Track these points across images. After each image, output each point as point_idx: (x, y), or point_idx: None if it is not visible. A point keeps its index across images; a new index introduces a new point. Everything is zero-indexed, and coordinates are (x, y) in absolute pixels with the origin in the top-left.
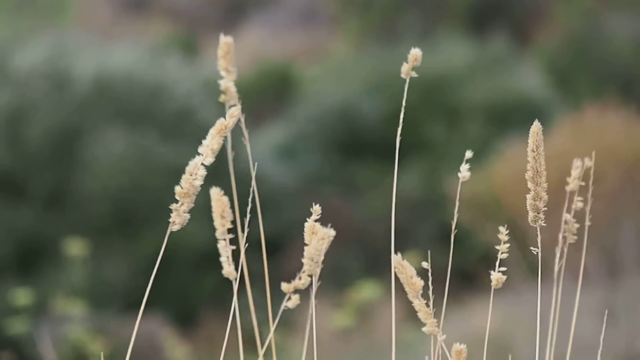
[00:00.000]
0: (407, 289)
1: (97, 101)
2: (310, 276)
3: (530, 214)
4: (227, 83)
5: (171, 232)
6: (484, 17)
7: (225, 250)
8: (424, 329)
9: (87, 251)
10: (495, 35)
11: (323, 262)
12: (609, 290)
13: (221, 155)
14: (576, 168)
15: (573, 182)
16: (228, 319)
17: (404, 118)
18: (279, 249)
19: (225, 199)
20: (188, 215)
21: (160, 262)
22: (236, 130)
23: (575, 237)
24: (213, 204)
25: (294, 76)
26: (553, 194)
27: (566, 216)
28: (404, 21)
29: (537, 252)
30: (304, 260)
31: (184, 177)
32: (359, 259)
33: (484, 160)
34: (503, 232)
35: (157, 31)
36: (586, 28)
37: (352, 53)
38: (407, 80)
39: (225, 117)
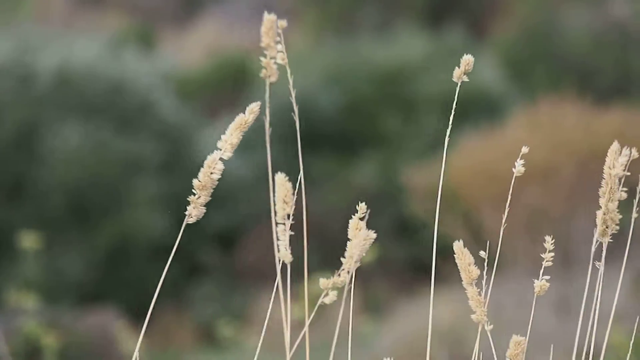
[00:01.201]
0: (463, 275)
1: (58, 95)
2: (348, 272)
3: (599, 228)
4: (269, 59)
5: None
6: (441, 10)
7: (283, 234)
8: (472, 316)
9: (41, 244)
10: (452, 27)
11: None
12: (563, 283)
13: (176, 149)
14: (624, 156)
15: (619, 167)
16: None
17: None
18: (235, 241)
19: (289, 185)
20: (204, 209)
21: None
22: (191, 124)
23: (618, 227)
24: (277, 188)
25: (251, 68)
26: (509, 187)
27: (610, 205)
28: (362, 13)
29: (601, 267)
30: (343, 260)
31: (202, 170)
32: (315, 251)
33: (440, 152)
34: (549, 242)
35: (113, 24)
36: (543, 20)
37: (310, 45)
38: (459, 84)
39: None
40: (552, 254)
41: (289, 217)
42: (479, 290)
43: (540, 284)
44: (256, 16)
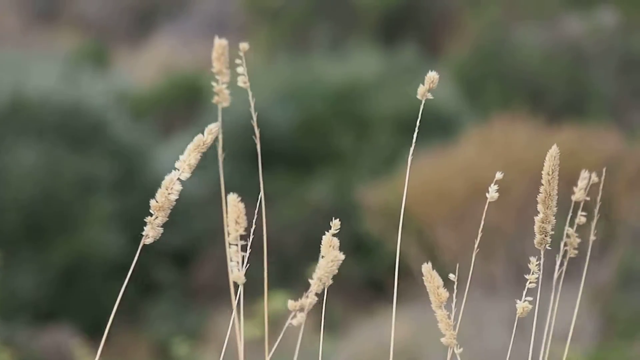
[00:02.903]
0: (432, 298)
1: (13, 116)
2: (317, 295)
3: (538, 237)
4: (221, 85)
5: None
6: (394, 28)
7: (236, 255)
8: (442, 339)
9: None
10: (405, 45)
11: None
12: (516, 300)
13: (130, 167)
14: (583, 179)
15: (579, 193)
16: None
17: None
18: (189, 259)
19: (241, 205)
20: (161, 230)
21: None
22: (145, 143)
23: (577, 252)
24: (229, 209)
25: (204, 86)
26: (462, 205)
27: (568, 230)
28: (315, 31)
29: (538, 276)
30: (311, 280)
31: (159, 190)
32: (269, 268)
33: (393, 170)
34: (534, 263)
35: (67, 41)
36: (495, 39)
37: (263, 62)
38: (423, 102)
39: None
40: (536, 275)
41: (241, 238)
42: (448, 313)
43: (523, 305)
44: (209, 34)
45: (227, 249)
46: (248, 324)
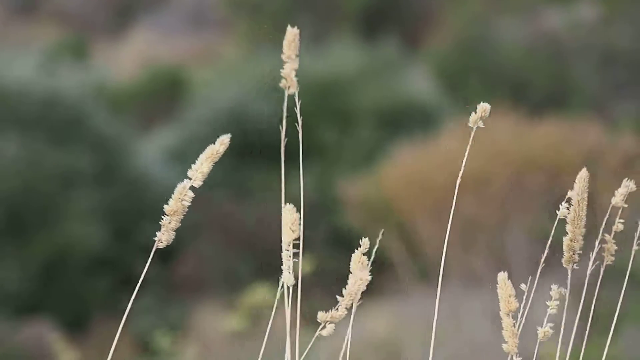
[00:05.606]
0: (502, 305)
1: None
2: (348, 308)
3: (566, 255)
4: (289, 70)
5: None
6: (375, 21)
7: (288, 260)
8: (504, 346)
9: None
10: (386, 39)
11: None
12: (497, 293)
13: (111, 161)
14: (625, 187)
15: (618, 197)
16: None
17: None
18: (171, 254)
19: (297, 215)
20: (174, 233)
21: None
22: (125, 136)
23: (613, 258)
24: (284, 216)
25: (185, 79)
26: (442, 198)
27: (605, 236)
28: (296, 24)
29: (566, 294)
30: (340, 298)
31: (173, 197)
32: (251, 262)
33: (375, 164)
34: (555, 289)
35: (46, 34)
36: (475, 32)
37: (244, 56)
38: (474, 129)
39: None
40: (557, 302)
41: (295, 246)
42: (514, 321)
43: (545, 330)
44: (189, 27)
45: (283, 251)
46: (231, 316)
